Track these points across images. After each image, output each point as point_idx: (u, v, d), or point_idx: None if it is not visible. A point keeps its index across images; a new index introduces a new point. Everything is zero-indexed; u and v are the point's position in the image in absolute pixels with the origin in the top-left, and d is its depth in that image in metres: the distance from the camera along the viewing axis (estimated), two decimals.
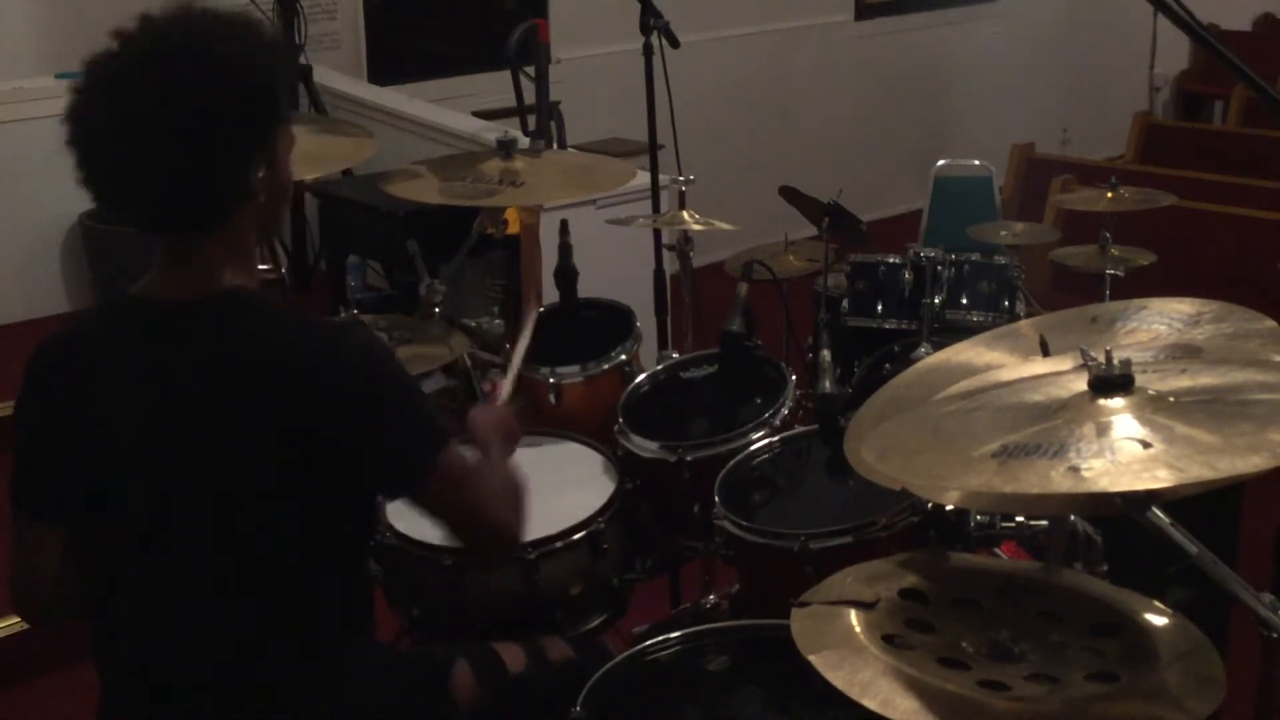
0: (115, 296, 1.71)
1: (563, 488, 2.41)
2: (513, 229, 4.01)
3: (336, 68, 5.36)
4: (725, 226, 2.95)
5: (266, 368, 1.61)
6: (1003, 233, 3.85)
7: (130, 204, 1.62)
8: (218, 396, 1.61)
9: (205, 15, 1.62)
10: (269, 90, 1.62)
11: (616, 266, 3.46)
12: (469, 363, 2.61)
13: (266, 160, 1.64)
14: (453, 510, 1.74)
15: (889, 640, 1.53)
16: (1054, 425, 1.42)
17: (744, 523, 2.14)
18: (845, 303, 3.30)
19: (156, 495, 1.64)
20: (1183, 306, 1.71)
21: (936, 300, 3.13)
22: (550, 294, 3.11)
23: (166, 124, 1.54)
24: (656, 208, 3.50)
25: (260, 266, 1.75)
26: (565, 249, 2.94)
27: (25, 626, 3.14)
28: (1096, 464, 1.32)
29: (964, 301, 3.21)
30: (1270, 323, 1.63)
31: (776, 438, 2.38)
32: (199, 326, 1.64)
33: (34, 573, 1.75)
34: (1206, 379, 1.46)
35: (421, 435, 1.69)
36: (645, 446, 2.44)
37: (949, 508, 2.01)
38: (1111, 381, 1.43)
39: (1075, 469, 1.32)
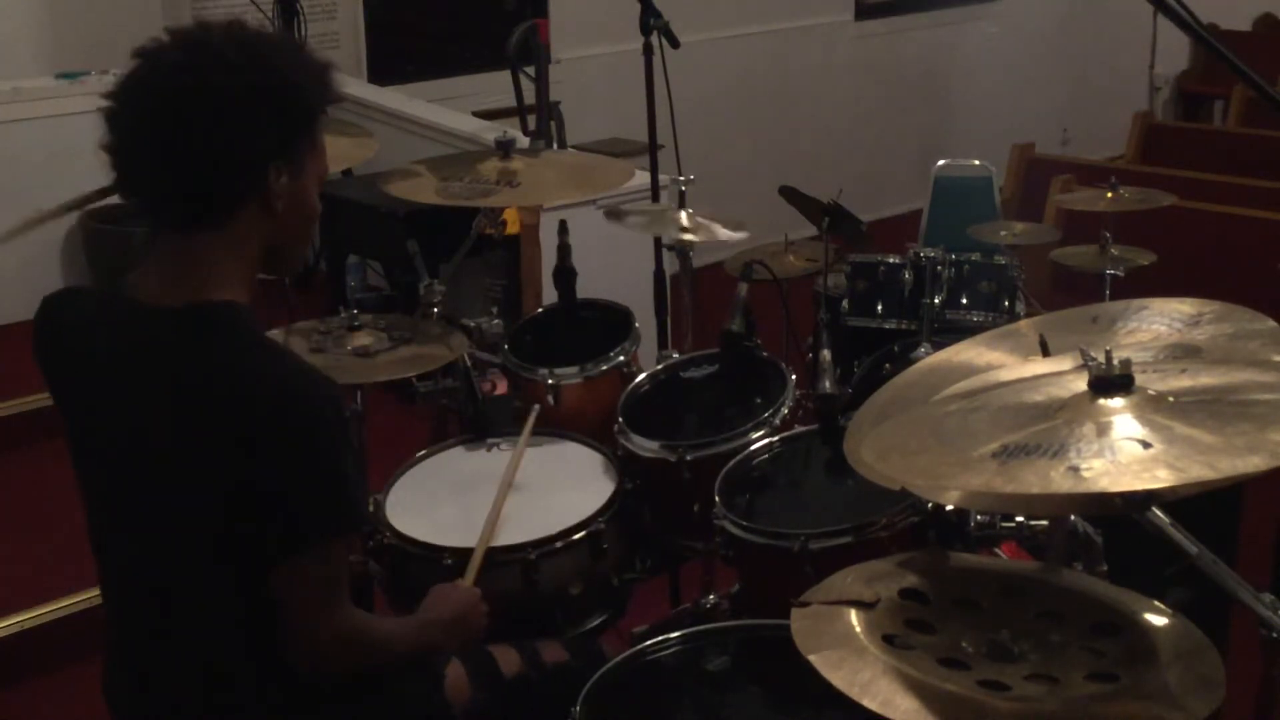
0: (110, 288, 1.72)
1: (563, 488, 2.42)
2: (512, 229, 4.02)
3: (336, 68, 5.35)
4: (725, 235, 2.92)
5: (226, 390, 1.59)
6: (1003, 233, 3.86)
7: (144, 181, 1.63)
8: (177, 410, 1.60)
9: (249, 28, 1.67)
10: (300, 95, 1.64)
11: (616, 267, 3.46)
12: (469, 363, 2.61)
13: (288, 166, 1.64)
14: (300, 602, 1.64)
15: (889, 640, 1.53)
16: (1054, 425, 1.42)
17: (744, 523, 2.14)
18: (845, 303, 3.30)
19: (115, 499, 1.66)
20: (1183, 307, 1.71)
21: (936, 300, 3.13)
22: (549, 294, 3.11)
23: (190, 100, 1.57)
24: None
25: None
26: (564, 249, 2.93)
27: (25, 626, 3.14)
28: (1096, 464, 1.32)
29: (964, 301, 3.22)
30: (1270, 323, 1.63)
31: (776, 438, 2.37)
32: (176, 337, 1.63)
33: None
34: (1206, 379, 1.46)
35: (333, 507, 1.63)
36: (645, 446, 2.44)
37: (949, 508, 2.01)
38: (1111, 381, 1.43)
39: (1075, 469, 1.32)
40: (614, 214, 3.03)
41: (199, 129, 1.57)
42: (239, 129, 1.59)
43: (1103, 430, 1.38)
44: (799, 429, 2.42)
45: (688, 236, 2.85)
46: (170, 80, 1.58)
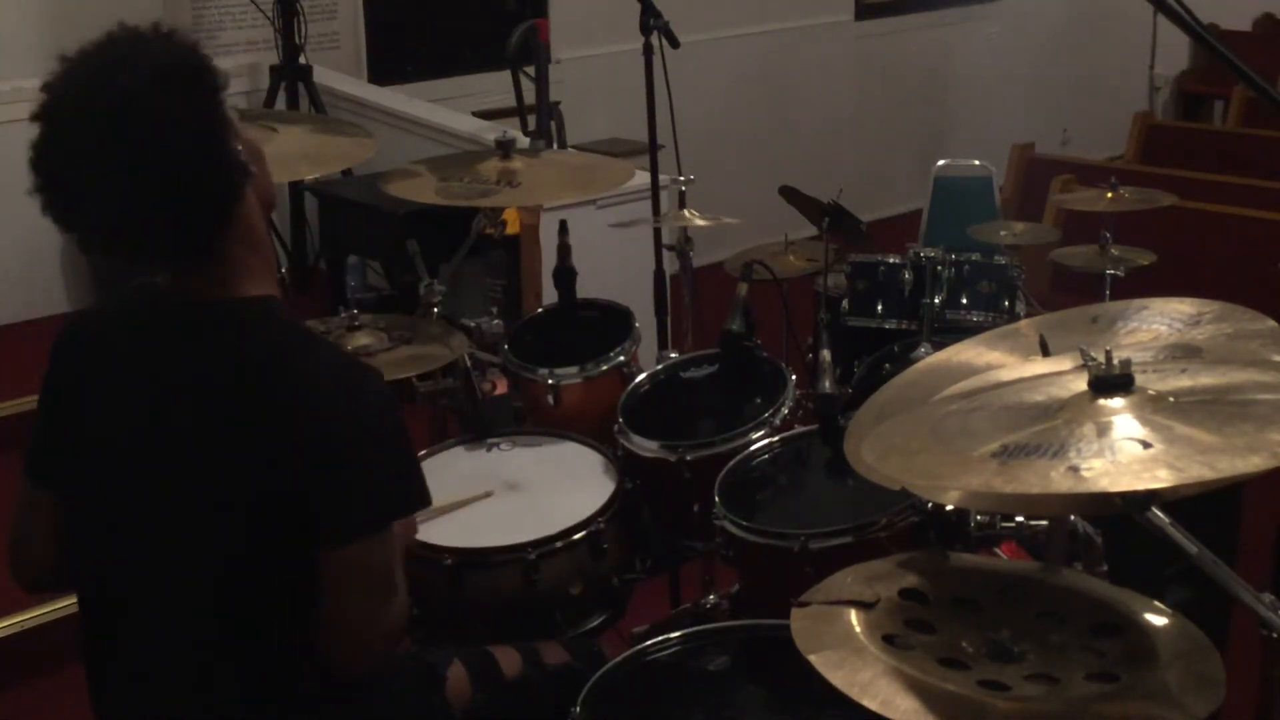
0: (142, 283, 1.70)
1: (563, 488, 2.42)
2: (512, 229, 4.02)
3: (336, 68, 5.36)
4: (729, 220, 2.95)
5: (280, 381, 1.59)
6: (1003, 233, 3.85)
7: (166, 213, 1.56)
8: (223, 401, 1.60)
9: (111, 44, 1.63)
10: (208, 59, 1.60)
11: (616, 267, 3.46)
12: (469, 363, 2.61)
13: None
14: (355, 592, 1.63)
15: (889, 640, 1.53)
16: (1054, 425, 1.42)
17: (744, 523, 2.14)
18: (845, 303, 3.30)
19: (146, 490, 1.64)
20: (1183, 306, 1.71)
21: (936, 300, 3.13)
22: (549, 294, 3.11)
23: (177, 112, 1.53)
24: (656, 208, 3.50)
25: None
26: (564, 249, 2.93)
27: (25, 626, 3.14)
28: (1096, 464, 1.32)
29: (964, 301, 3.21)
30: (1270, 323, 1.63)
31: (776, 438, 2.37)
32: (220, 329, 1.63)
33: (30, 537, 1.75)
34: (1206, 379, 1.46)
35: (387, 496, 1.65)
36: (645, 446, 2.44)
37: (949, 508, 2.01)
38: (1111, 381, 1.43)
39: (1075, 469, 1.32)
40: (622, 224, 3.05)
41: (208, 136, 1.55)
42: (224, 117, 1.58)
43: (1103, 430, 1.38)
44: (799, 429, 2.42)
45: (698, 223, 2.86)
46: (144, 104, 1.54)
